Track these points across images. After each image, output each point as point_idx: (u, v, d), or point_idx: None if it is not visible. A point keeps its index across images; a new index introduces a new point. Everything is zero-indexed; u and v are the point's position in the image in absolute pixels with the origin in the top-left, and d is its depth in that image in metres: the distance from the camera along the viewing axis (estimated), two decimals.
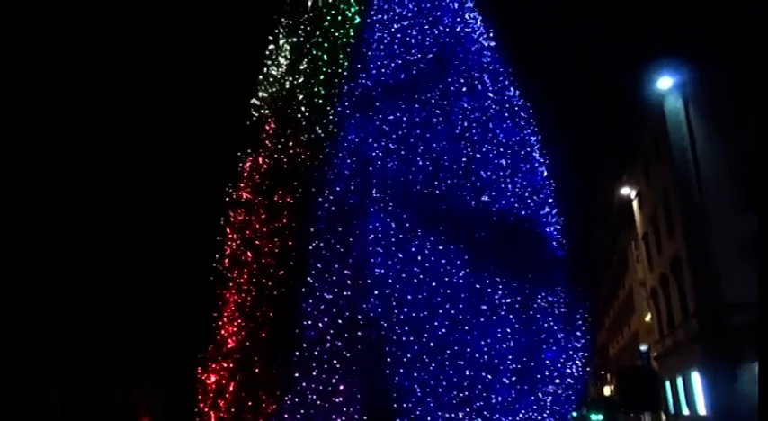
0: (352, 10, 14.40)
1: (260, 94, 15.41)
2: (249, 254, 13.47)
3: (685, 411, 24.79)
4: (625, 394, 27.05)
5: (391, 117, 12.74)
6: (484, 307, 11.90)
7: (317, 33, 14.62)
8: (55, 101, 27.66)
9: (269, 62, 15.56)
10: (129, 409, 28.12)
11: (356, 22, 14.20)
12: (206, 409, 13.19)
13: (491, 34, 15.24)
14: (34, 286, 24.85)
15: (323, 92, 13.73)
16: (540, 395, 12.34)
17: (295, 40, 15.27)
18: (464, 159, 12.92)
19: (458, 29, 14.44)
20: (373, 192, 12.07)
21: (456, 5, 14.88)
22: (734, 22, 22.39)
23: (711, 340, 20.61)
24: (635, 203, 32.81)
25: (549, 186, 14.36)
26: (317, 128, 13.35)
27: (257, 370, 12.26)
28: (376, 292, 11.32)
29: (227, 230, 14.35)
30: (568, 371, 13.09)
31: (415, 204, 12.13)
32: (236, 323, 13.24)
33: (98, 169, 27.64)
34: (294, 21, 15.63)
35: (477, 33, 14.87)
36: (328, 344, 11.26)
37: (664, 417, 29.01)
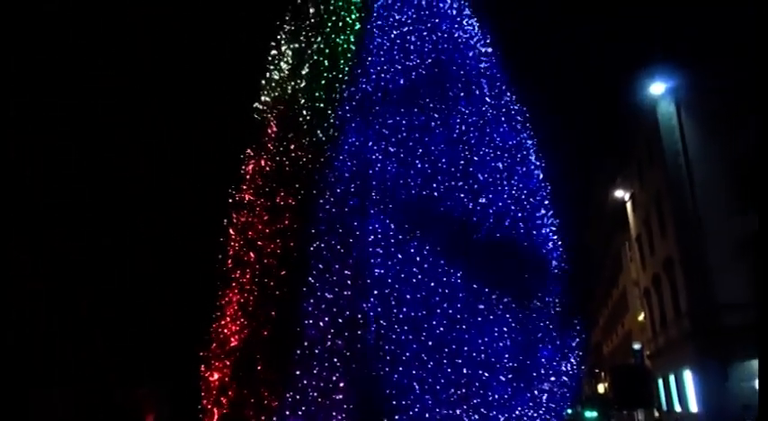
0: (353, 16, 14.44)
1: (262, 97, 15.43)
2: (251, 254, 13.47)
3: (677, 408, 24.79)
4: (619, 391, 27.08)
5: (390, 121, 12.77)
6: (481, 306, 11.91)
7: (319, 39, 14.65)
8: (56, 101, 27.62)
9: (271, 67, 15.59)
10: (130, 409, 28.05)
11: (357, 28, 14.24)
12: (209, 406, 13.19)
13: (488, 40, 15.29)
14: (35, 286, 24.78)
15: (324, 96, 13.75)
16: (535, 392, 12.35)
17: (297, 45, 15.30)
18: (462, 162, 12.94)
19: (456, 35, 14.48)
20: (373, 194, 12.09)
21: (454, 12, 14.92)
22: (724, 29, 22.47)
23: (703, 339, 20.63)
24: (629, 205, 32.85)
25: (544, 189, 14.39)
26: (318, 131, 13.37)
27: (259, 368, 12.26)
28: (375, 292, 11.33)
29: (230, 231, 14.35)
30: (564, 369, 13.10)
31: (414, 206, 12.15)
32: (238, 322, 13.24)
33: (100, 170, 27.62)
34: (296, 26, 15.67)
35: (475, 39, 14.91)
36: (329, 343, 11.26)
37: (657, 414, 29.01)
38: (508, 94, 14.74)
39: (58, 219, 25.91)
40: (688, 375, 22.66)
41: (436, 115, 13.02)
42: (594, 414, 39.91)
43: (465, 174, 12.81)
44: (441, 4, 14.80)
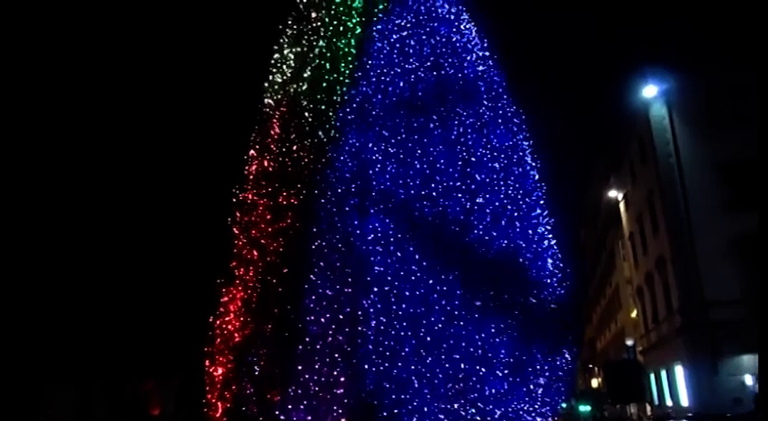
0: (354, 21, 14.41)
1: (265, 100, 15.40)
2: (255, 252, 13.45)
3: (669, 402, 24.77)
4: (612, 386, 27.04)
5: (390, 123, 12.75)
6: (478, 303, 11.90)
7: (320, 43, 14.62)
8: (67, 101, 27.57)
9: (274, 70, 15.56)
10: (138, 402, 28.06)
11: (357, 32, 14.21)
12: (214, 400, 13.16)
13: (485, 44, 15.27)
14: (48, 286, 24.80)
15: (325, 98, 13.72)
16: (531, 387, 12.33)
17: (299, 49, 15.27)
18: (459, 163, 12.93)
19: (454, 39, 14.47)
20: (373, 193, 12.07)
21: (452, 17, 14.91)
22: (714, 33, 22.43)
23: (693, 335, 20.60)
24: (622, 205, 32.81)
25: (540, 189, 14.38)
26: (320, 132, 13.34)
27: (262, 363, 12.24)
28: (375, 289, 11.31)
29: (234, 230, 14.33)
30: (558, 364, 13.08)
31: (413, 205, 12.14)
32: (242, 318, 13.22)
33: (112, 170, 27.59)
34: (298, 31, 15.64)
35: (473, 43, 14.90)
36: (330, 339, 11.25)
37: (648, 408, 28.99)
38: (505, 96, 14.73)
39: (68, 217, 25.89)
40: (679, 370, 22.64)
41: (434, 117, 13.01)
42: (588, 408, 39.83)
43: (462, 175, 12.80)
44: (439, 10, 14.78)
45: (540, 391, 12.54)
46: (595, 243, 47.64)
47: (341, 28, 14.44)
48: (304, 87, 14.31)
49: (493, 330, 11.84)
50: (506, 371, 11.82)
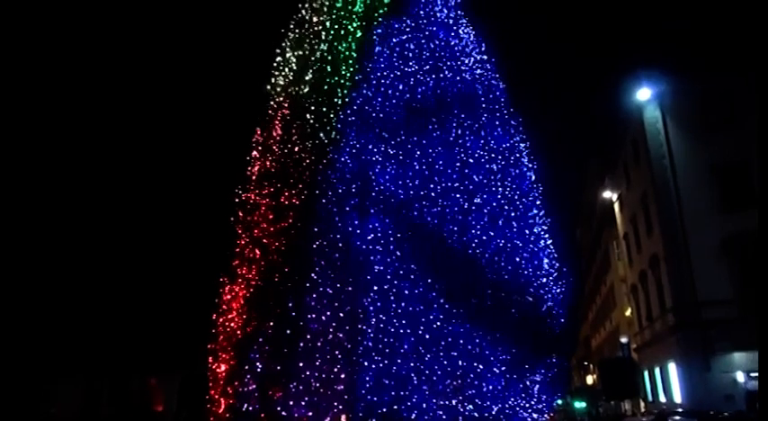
0: (355, 25, 14.41)
1: (268, 102, 15.40)
2: (257, 251, 13.44)
3: (662, 399, 24.78)
4: (607, 383, 27.07)
5: (390, 124, 12.75)
6: (475, 301, 11.90)
7: (322, 46, 14.61)
8: (74, 103, 27.53)
9: (276, 73, 15.56)
10: (142, 398, 28.05)
11: (358, 35, 14.21)
12: (216, 397, 13.15)
13: (483, 48, 15.28)
14: (58, 285, 24.79)
15: (326, 101, 13.72)
16: (527, 384, 12.33)
17: (301, 52, 15.27)
18: (458, 164, 12.94)
19: (452, 43, 14.48)
20: (373, 194, 12.07)
21: (451, 21, 14.92)
22: (708, 37, 22.48)
23: (686, 333, 20.62)
24: (616, 205, 32.82)
25: (537, 190, 14.39)
26: (321, 134, 13.33)
27: (264, 360, 12.23)
28: (375, 287, 11.31)
29: (237, 229, 14.32)
30: (554, 361, 13.08)
31: (412, 205, 12.14)
32: (244, 316, 13.20)
33: (118, 171, 27.56)
34: (300, 35, 15.64)
35: (471, 47, 14.91)
36: (330, 336, 11.24)
37: (642, 405, 29.00)
38: (502, 99, 14.73)
39: (72, 216, 25.85)
40: (672, 367, 22.65)
41: (433, 119, 13.01)
42: (583, 404, 39.88)
43: (461, 176, 12.81)
44: (438, 14, 14.79)
45: (536, 388, 12.55)
46: (591, 242, 47.67)
47: (342, 32, 14.44)
48: (306, 90, 14.31)
49: (490, 328, 11.83)
50: (503, 369, 11.83)
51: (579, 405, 40.41)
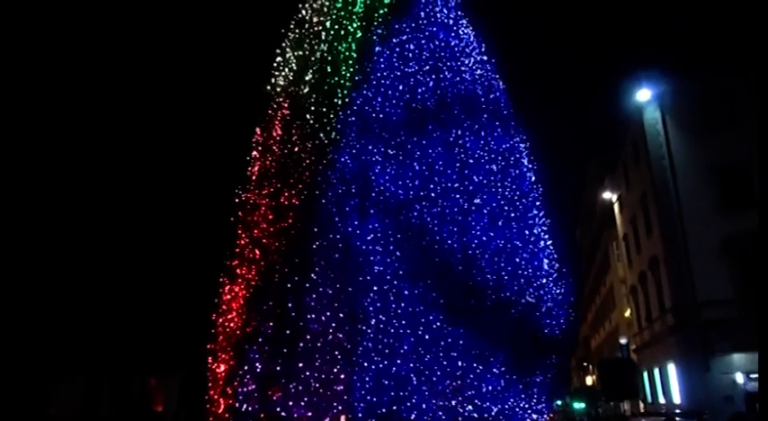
0: (355, 25, 14.39)
1: (268, 102, 15.38)
2: (257, 251, 13.42)
3: (661, 399, 24.75)
4: (606, 384, 27.05)
5: (390, 125, 12.74)
6: (475, 302, 11.88)
7: (322, 47, 14.60)
8: (67, 100, 27.47)
9: (276, 73, 15.55)
10: (143, 398, 28.03)
11: (358, 36, 14.19)
12: (216, 397, 13.13)
13: (483, 49, 15.27)
14: (58, 285, 24.77)
15: (326, 101, 13.70)
16: (527, 384, 12.31)
17: (301, 52, 15.26)
18: (457, 164, 12.92)
19: (452, 43, 14.47)
20: (373, 194, 12.05)
21: (450, 22, 14.91)
22: (707, 38, 22.47)
23: (686, 334, 20.59)
24: (616, 206, 32.81)
25: (536, 190, 14.37)
26: (321, 134, 13.32)
27: (264, 360, 12.21)
28: (375, 288, 11.29)
29: (237, 229, 14.30)
30: (554, 362, 13.06)
31: (412, 206, 12.12)
32: (244, 316, 13.19)
33: (123, 172, 27.55)
34: (300, 35, 15.63)
35: (471, 48, 14.89)
36: (330, 336, 11.22)
37: (642, 405, 28.97)
38: (502, 99, 14.72)
39: (72, 216, 25.83)
40: (672, 368, 22.62)
41: (433, 119, 13.00)
42: (582, 405, 39.86)
43: (461, 176, 12.79)
44: (438, 14, 14.78)
45: (535, 389, 12.52)
46: (590, 243, 47.66)
47: (342, 32, 14.42)
48: (306, 90, 14.30)
49: (489, 329, 11.81)
50: (503, 369, 11.80)
51: (578, 405, 40.38)
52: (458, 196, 12.55)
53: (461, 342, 11.40)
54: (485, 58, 15.08)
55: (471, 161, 13.09)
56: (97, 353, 25.27)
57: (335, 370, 11.04)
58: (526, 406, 12.20)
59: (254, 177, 14.59)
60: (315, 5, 15.80)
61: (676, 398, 21.99)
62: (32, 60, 27.89)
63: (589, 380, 50.96)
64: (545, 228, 14.12)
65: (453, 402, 11.18)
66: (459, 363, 11.32)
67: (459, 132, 13.26)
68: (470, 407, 11.28)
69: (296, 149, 13.67)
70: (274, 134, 14.60)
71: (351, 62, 13.81)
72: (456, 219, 12.32)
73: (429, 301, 11.42)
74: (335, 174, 12.36)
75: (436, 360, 11.19)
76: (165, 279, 25.72)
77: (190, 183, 27.45)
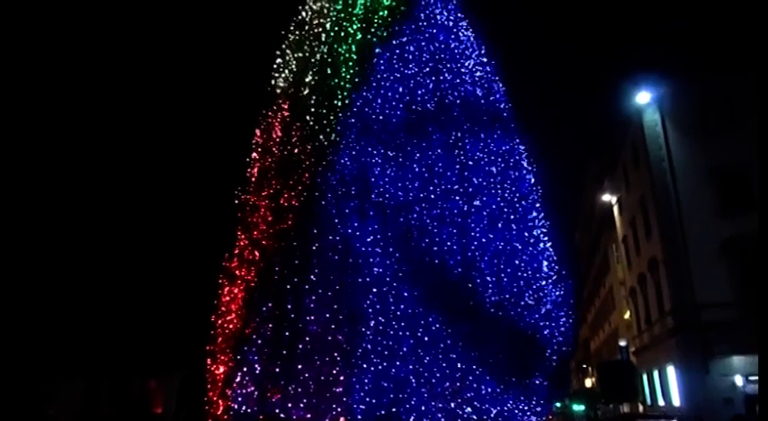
0: (354, 27, 14.39)
1: (268, 104, 15.37)
2: (256, 253, 13.41)
3: (661, 402, 24.71)
4: (605, 386, 27.00)
5: (390, 126, 12.73)
6: (474, 304, 11.86)
7: (322, 49, 14.60)
8: (66, 101, 27.46)
9: (276, 75, 15.54)
10: (143, 398, 28.00)
11: (358, 38, 14.19)
12: (215, 398, 13.10)
13: (483, 51, 15.27)
14: (58, 286, 24.75)
15: (326, 103, 13.70)
16: (526, 386, 12.28)
17: (301, 54, 15.25)
18: (457, 166, 12.91)
19: (452, 45, 14.46)
20: (372, 196, 12.04)
21: (451, 24, 14.91)
22: (707, 42, 22.49)
23: (685, 336, 20.56)
24: (615, 209, 32.80)
25: (536, 192, 14.35)
26: (321, 136, 13.31)
27: (263, 361, 12.18)
28: (374, 290, 11.27)
29: (236, 231, 14.29)
30: (553, 364, 13.04)
31: (412, 208, 12.11)
32: (243, 317, 13.17)
33: (122, 172, 27.54)
34: (300, 37, 15.63)
35: (470, 50, 14.89)
36: (329, 338, 11.20)
37: (641, 408, 28.92)
38: (502, 101, 14.72)
39: (71, 217, 25.81)
40: (671, 370, 22.57)
41: (433, 121, 12.99)
42: (582, 407, 39.77)
43: (460, 178, 12.78)
44: (438, 17, 14.78)
45: (534, 391, 12.50)
46: (590, 245, 47.63)
47: (342, 34, 14.42)
48: (305, 92, 14.29)
49: (489, 331, 11.79)
50: (502, 371, 11.78)
51: (578, 408, 40.29)
52: (457, 198, 12.54)
53: (460, 344, 11.38)
54: (484, 60, 15.08)
55: (471, 163, 13.08)
56: (97, 354, 25.23)
57: (335, 371, 11.02)
58: (525, 408, 12.18)
59: (253, 179, 14.58)
60: (315, 7, 15.80)
61: (676, 401, 21.95)
62: (32, 60, 27.90)
63: (588, 382, 50.90)
64: (544, 230, 14.11)
65: (452, 404, 11.16)
66: (459, 365, 11.30)
67: (459, 134, 13.26)
68: (469, 408, 11.25)
69: (296, 151, 13.66)
70: (274, 135, 14.60)
71: (351, 64, 13.80)
72: (455, 221, 12.31)
73: (428, 303, 11.40)
74: (335, 175, 12.35)
75: (435, 362, 11.16)
76: (164, 280, 25.69)
77: (189, 184, 27.44)
